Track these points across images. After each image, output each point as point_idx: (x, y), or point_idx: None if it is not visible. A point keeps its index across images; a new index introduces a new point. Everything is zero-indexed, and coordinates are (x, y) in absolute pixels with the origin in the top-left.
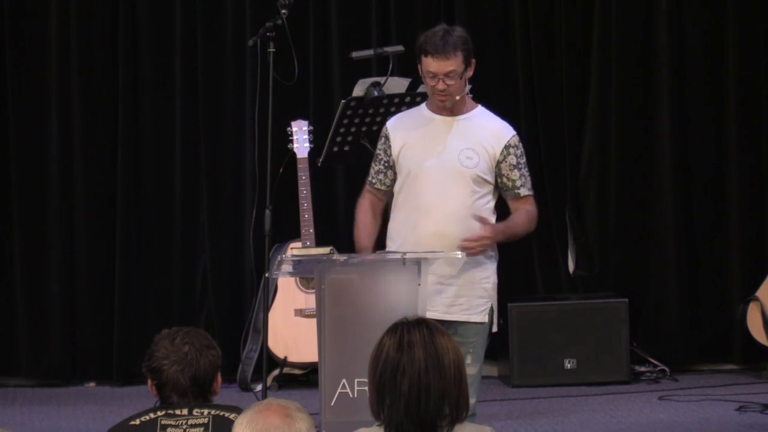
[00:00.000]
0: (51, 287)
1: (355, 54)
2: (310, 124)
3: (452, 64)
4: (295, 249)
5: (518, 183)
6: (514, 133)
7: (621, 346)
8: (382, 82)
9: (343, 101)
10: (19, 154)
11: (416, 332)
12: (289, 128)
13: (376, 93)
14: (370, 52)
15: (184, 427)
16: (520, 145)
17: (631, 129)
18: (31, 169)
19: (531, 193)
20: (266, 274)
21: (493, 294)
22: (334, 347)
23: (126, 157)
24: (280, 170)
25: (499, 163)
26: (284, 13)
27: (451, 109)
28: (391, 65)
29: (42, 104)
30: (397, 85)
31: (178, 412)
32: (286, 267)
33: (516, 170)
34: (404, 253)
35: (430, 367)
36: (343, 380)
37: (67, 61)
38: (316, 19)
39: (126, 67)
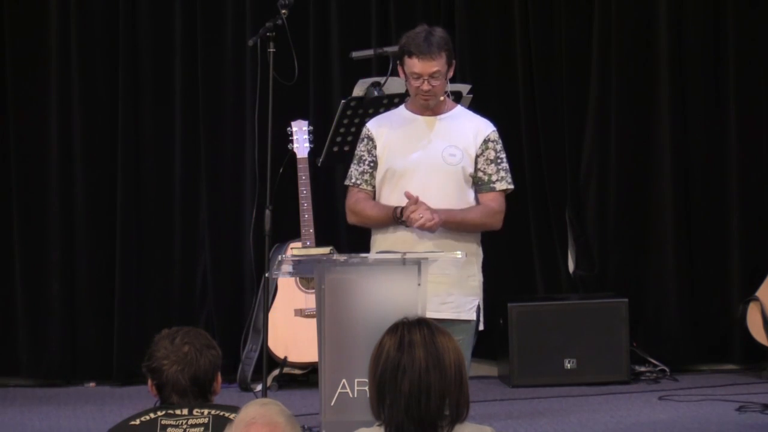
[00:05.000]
0: (51, 287)
1: (355, 54)
2: (310, 124)
3: (437, 64)
4: (295, 249)
5: (494, 177)
6: (494, 128)
7: (621, 346)
8: (382, 82)
9: (343, 101)
10: (19, 154)
11: (417, 332)
12: (289, 128)
13: (376, 93)
14: (370, 52)
15: (184, 427)
16: (500, 140)
17: (631, 129)
18: (31, 169)
19: (508, 187)
20: (266, 274)
21: (480, 292)
22: (334, 347)
23: (126, 158)
24: (280, 170)
25: (477, 157)
26: (284, 13)
27: (432, 108)
28: (391, 65)
29: (42, 104)
30: (397, 85)
31: (178, 412)
32: (286, 267)
33: (493, 164)
34: (404, 253)
35: (430, 367)
36: (343, 380)
37: (67, 61)
38: (316, 19)
39: (126, 67)
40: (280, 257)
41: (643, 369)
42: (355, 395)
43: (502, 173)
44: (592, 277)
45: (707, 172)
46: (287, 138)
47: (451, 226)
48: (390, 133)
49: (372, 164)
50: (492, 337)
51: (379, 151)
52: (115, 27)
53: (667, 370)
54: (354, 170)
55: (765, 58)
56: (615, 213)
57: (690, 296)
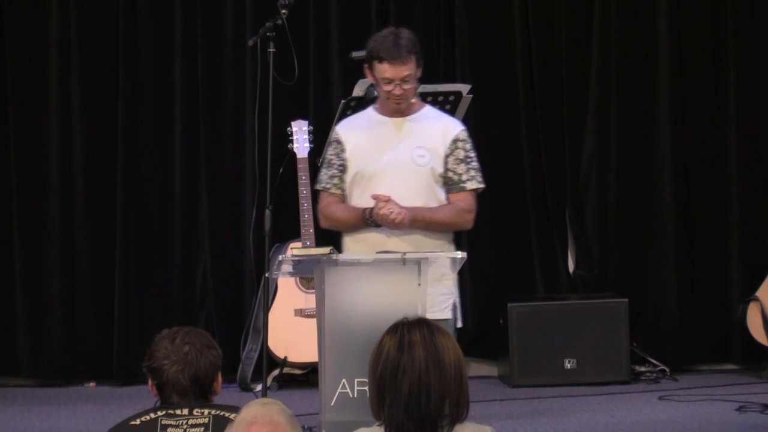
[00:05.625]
0: (51, 287)
1: (355, 54)
2: (310, 124)
3: (408, 68)
4: (295, 249)
5: (464, 177)
6: (463, 128)
7: (621, 346)
8: None
9: (343, 101)
10: (19, 154)
11: (417, 332)
12: (289, 128)
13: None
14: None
15: (185, 427)
16: (470, 140)
17: (631, 129)
18: (31, 169)
19: (479, 186)
20: (266, 274)
21: (455, 290)
22: (334, 347)
23: (126, 157)
24: (280, 170)
25: (446, 157)
26: (284, 13)
27: (400, 110)
28: None
29: (42, 104)
30: None
31: (178, 412)
32: (286, 267)
33: (463, 164)
34: (404, 253)
35: (430, 367)
36: (343, 380)
37: (67, 61)
38: (316, 19)
39: (126, 67)
40: (280, 257)
41: (643, 369)
42: (355, 395)
43: (473, 172)
44: (592, 277)
45: (707, 172)
46: (287, 138)
47: (419, 224)
48: (359, 136)
49: (341, 168)
50: (492, 337)
51: (348, 155)
52: (115, 27)
53: (667, 370)
54: (323, 174)
55: (765, 58)
56: (615, 213)
57: (690, 296)
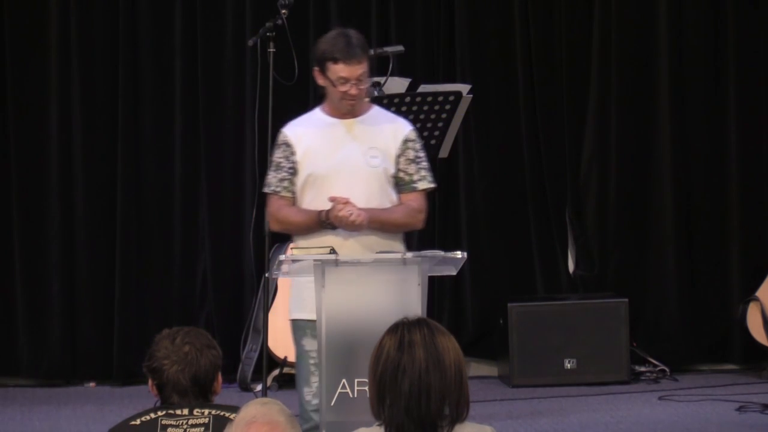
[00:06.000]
0: (51, 287)
1: None
2: None
3: (362, 67)
4: (295, 249)
5: (415, 177)
6: (412, 127)
7: (621, 346)
8: (382, 82)
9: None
10: (19, 154)
11: (417, 332)
12: None
13: (376, 93)
14: (370, 52)
15: (185, 427)
16: (419, 139)
17: (631, 129)
18: (31, 169)
19: (430, 186)
20: (266, 274)
21: None
22: (334, 347)
23: (126, 158)
24: None
25: (397, 157)
26: (284, 13)
27: (351, 111)
28: (391, 65)
29: (42, 104)
30: (397, 85)
31: (178, 412)
32: (286, 267)
33: (413, 164)
34: (404, 253)
35: (430, 367)
36: (343, 380)
37: (67, 61)
38: (316, 19)
39: (126, 67)
40: (280, 257)
41: (643, 369)
42: (355, 395)
43: (423, 172)
44: (592, 277)
45: (707, 172)
46: None
47: (375, 225)
48: (310, 139)
49: (291, 171)
50: (492, 337)
51: (298, 157)
52: (115, 27)
53: (667, 370)
54: (272, 178)
55: (765, 58)
56: (615, 213)
57: (690, 296)
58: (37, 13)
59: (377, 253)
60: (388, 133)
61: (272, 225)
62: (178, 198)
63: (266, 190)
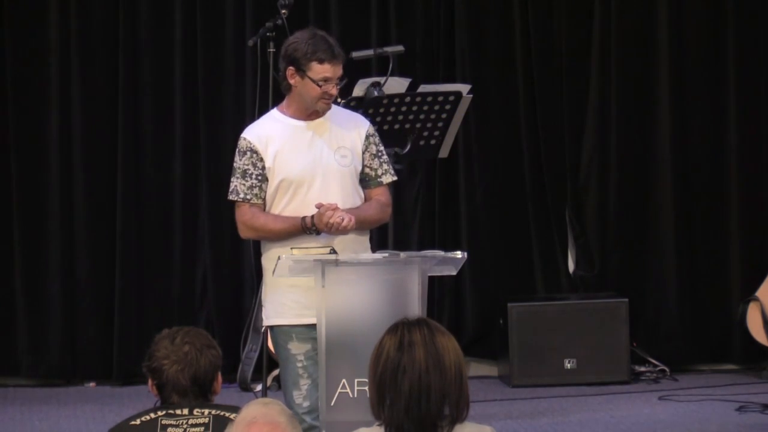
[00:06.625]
0: (51, 287)
1: (355, 54)
2: None
3: (341, 67)
4: (295, 249)
5: (379, 171)
6: (369, 122)
7: (621, 346)
8: (382, 82)
9: (342, 101)
10: (19, 154)
11: (417, 332)
12: None
13: (376, 93)
14: (370, 52)
15: (185, 426)
16: (376, 133)
17: (631, 129)
18: (31, 170)
19: (393, 179)
20: None
21: None
22: (334, 347)
23: (126, 158)
24: None
25: (362, 153)
26: (284, 13)
27: (321, 111)
28: (391, 65)
29: (42, 104)
30: (397, 85)
31: (178, 412)
32: (286, 267)
33: (376, 159)
34: (404, 253)
35: (430, 367)
36: (343, 380)
37: (68, 61)
38: (316, 19)
39: (126, 67)
40: (280, 257)
41: (643, 369)
42: (355, 395)
43: (386, 166)
44: (592, 277)
45: (707, 172)
46: None
47: (357, 226)
48: (277, 143)
49: (260, 178)
50: (492, 337)
51: (268, 163)
52: (115, 26)
53: (667, 370)
54: (240, 185)
55: (765, 58)
56: (615, 213)
57: (690, 296)
58: (37, 14)
59: (377, 252)
60: (352, 130)
61: (244, 233)
62: (178, 198)
63: (234, 198)
